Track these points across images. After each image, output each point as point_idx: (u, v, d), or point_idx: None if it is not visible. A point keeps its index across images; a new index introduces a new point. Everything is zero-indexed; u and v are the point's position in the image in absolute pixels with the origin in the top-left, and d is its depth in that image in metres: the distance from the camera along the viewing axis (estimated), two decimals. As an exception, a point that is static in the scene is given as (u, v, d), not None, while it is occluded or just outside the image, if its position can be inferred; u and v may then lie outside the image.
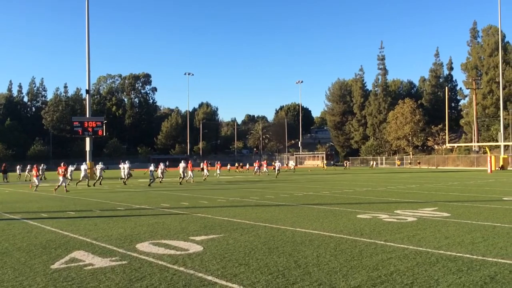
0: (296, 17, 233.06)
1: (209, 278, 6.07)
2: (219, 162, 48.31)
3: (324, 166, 71.36)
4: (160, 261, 7.11)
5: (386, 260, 6.96)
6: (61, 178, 25.17)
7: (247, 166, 66.36)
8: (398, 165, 79.19)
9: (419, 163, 78.73)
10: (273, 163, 55.80)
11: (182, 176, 32.68)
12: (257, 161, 54.79)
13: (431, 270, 6.32)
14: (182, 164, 33.44)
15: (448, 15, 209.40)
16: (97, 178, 31.90)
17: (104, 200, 19.04)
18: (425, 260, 6.94)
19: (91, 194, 22.69)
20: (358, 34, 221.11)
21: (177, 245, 8.46)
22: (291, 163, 58.69)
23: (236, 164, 67.38)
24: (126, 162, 33.88)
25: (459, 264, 6.68)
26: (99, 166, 32.41)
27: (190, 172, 33.67)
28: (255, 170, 50.05)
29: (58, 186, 25.13)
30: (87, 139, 46.21)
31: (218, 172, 45.41)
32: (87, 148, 45.76)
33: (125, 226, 11.10)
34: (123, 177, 32.83)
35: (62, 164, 27.00)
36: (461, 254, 7.33)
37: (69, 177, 30.40)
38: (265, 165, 52.79)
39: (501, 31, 67.49)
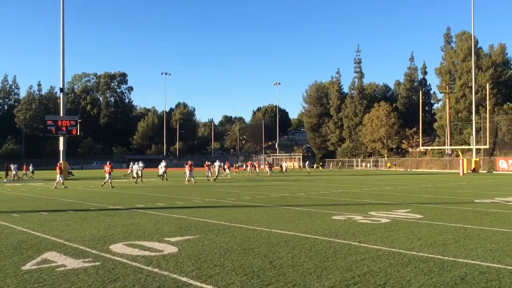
0: (274, 18, 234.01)
1: (184, 279, 6.04)
2: (227, 163, 50.74)
3: (307, 167, 69.14)
4: (134, 262, 7.04)
5: (359, 261, 7.04)
6: (107, 175, 28.51)
7: (244, 166, 67.99)
8: (389, 167, 79.08)
9: (395, 165, 79.89)
10: (264, 164, 61.48)
11: (211, 175, 36.43)
12: (249, 161, 62.99)
13: (403, 271, 6.42)
14: (217, 163, 39.57)
15: (422, 20, 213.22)
16: (138, 176, 34.70)
17: (77, 200, 18.76)
18: (398, 261, 7.05)
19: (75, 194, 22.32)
20: (335, 37, 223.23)
21: (151, 246, 8.39)
22: (284, 165, 59.51)
23: (235, 165, 67.39)
24: (140, 162, 36.36)
25: (431, 265, 6.81)
26: (140, 165, 35.49)
27: (188, 172, 33.18)
28: (248, 170, 55.97)
29: (105, 182, 28.43)
30: (61, 138, 45.43)
31: (227, 171, 47.56)
32: (61, 147, 44.98)
33: (98, 227, 10.95)
34: (135, 176, 34.87)
35: (108, 162, 30.48)
36: (433, 255, 7.47)
37: (135, 174, 34.87)
38: (256, 166, 58.88)
39: (474, 37, 68.96)
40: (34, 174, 50.27)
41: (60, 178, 28.35)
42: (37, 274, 6.32)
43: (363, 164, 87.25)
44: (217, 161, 42.14)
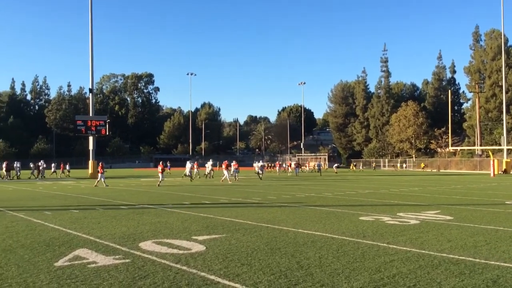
0: (300, 18, 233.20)
1: (212, 277, 6.09)
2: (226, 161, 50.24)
3: (334, 168, 64.21)
4: (163, 260, 7.14)
5: (388, 263, 6.97)
6: (160, 175, 30.07)
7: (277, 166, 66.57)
8: (423, 168, 75.33)
9: (426, 166, 77.50)
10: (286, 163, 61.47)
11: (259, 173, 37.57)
12: (277, 162, 64.92)
13: (433, 273, 6.33)
14: (258, 164, 40.70)
15: (450, 18, 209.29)
16: (208, 173, 37.26)
17: (107, 198, 19.10)
18: (428, 263, 6.95)
19: (99, 193, 22.74)
20: (361, 36, 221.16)
21: (179, 244, 8.48)
22: (319, 164, 59.73)
23: (266, 164, 67.19)
24: (210, 160, 39.49)
25: (462, 267, 6.69)
26: (210, 163, 37.79)
27: (225, 172, 34.09)
28: (277, 170, 57.15)
29: (160, 181, 29.63)
30: (90, 138, 46.29)
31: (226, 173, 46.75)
32: (90, 147, 45.84)
33: (128, 224, 11.13)
34: (188, 174, 36.90)
35: (161, 162, 32.26)
36: (463, 257, 7.34)
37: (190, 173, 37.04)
38: (289, 165, 60.72)
39: (504, 35, 67.42)
40: (70, 173, 51.74)
41: (102, 177, 29.29)
42: (69, 270, 6.47)
43: (397, 164, 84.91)
44: (210, 160, 43.09)
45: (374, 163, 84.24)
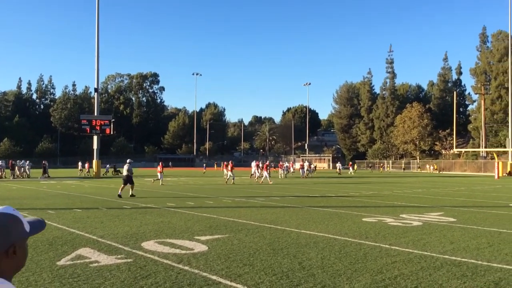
0: (305, 19, 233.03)
1: (214, 277, 6.10)
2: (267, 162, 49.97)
3: (339, 170, 61.15)
4: (165, 259, 7.15)
5: (390, 264, 6.96)
6: (229, 172, 31.39)
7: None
8: (435, 169, 73.75)
9: (436, 168, 75.21)
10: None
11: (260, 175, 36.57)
12: (279, 162, 60.50)
13: (435, 275, 6.32)
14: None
15: (457, 20, 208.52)
16: (253, 173, 37.71)
17: (110, 198, 19.14)
18: (430, 265, 6.93)
19: (100, 192, 22.80)
20: (367, 37, 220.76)
21: (182, 244, 8.50)
22: (338, 165, 59.29)
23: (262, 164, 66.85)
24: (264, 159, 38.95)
25: (464, 269, 6.67)
26: (254, 163, 38.68)
27: (229, 173, 33.10)
28: (280, 172, 50.21)
29: (232, 179, 31.07)
30: (95, 137, 46.44)
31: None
32: (95, 146, 45.98)
33: (131, 224, 11.16)
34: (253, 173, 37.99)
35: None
36: (466, 260, 7.32)
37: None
38: (290, 166, 56.91)
39: (511, 36, 67.08)
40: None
41: (161, 176, 29.82)
42: (71, 270, 6.49)
43: (412, 166, 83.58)
44: (254, 161, 43.32)
45: (367, 164, 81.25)
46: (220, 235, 9.49)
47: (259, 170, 36.56)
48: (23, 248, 1.62)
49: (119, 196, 19.10)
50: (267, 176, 33.64)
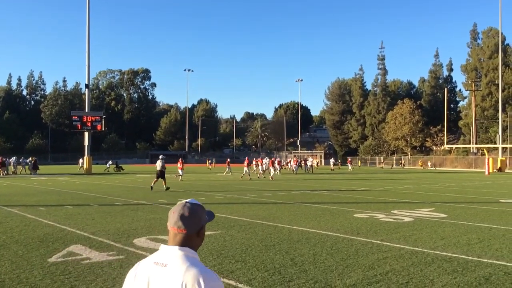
0: (297, 15, 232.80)
1: (206, 274, 6.09)
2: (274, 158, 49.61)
3: (332, 166, 59.77)
4: (157, 256, 7.13)
5: (382, 260, 7.00)
6: (180, 171, 30.54)
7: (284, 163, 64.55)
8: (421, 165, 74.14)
9: (424, 165, 76.06)
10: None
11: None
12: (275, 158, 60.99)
13: (426, 270, 6.36)
14: (265, 161, 40.01)
15: (448, 16, 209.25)
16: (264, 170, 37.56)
17: (102, 195, 19.06)
18: (421, 260, 6.98)
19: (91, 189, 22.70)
20: (358, 33, 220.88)
21: (174, 241, 8.47)
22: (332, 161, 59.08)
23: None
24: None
25: (455, 264, 6.72)
26: (265, 160, 38.66)
27: (245, 168, 34.70)
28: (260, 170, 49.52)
29: (181, 176, 30.43)
30: (86, 134, 46.15)
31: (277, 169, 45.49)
32: (86, 142, 45.70)
33: (122, 221, 11.12)
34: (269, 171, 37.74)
35: (246, 157, 34.85)
36: (456, 255, 7.37)
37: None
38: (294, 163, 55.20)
39: (501, 33, 67.56)
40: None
41: (182, 172, 30.30)
42: (63, 266, 6.46)
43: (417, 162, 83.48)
44: (266, 158, 44.14)
45: (349, 159, 76.04)
46: (212, 232, 9.48)
47: (275, 166, 37.55)
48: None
49: (151, 188, 20.95)
50: (273, 172, 34.55)
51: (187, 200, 2.23)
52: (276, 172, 36.12)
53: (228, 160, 46.15)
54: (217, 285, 1.97)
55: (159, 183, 21.73)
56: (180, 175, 30.34)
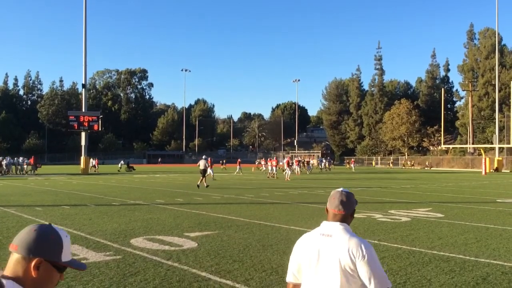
0: (294, 15, 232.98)
1: (203, 274, 6.08)
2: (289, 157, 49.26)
3: (327, 165, 57.31)
4: (154, 256, 7.12)
5: (379, 260, 6.99)
6: (210, 170, 30.32)
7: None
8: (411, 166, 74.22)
9: (413, 165, 77.68)
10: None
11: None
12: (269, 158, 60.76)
13: (424, 270, 6.36)
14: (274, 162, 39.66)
15: (445, 17, 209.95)
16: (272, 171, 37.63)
17: (99, 195, 19.02)
18: (418, 260, 6.98)
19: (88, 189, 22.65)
20: (355, 34, 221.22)
21: (171, 241, 8.47)
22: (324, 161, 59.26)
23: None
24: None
25: (452, 264, 6.73)
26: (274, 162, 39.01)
27: (287, 169, 34.75)
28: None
29: (274, 173, 33.00)
30: (83, 134, 46.05)
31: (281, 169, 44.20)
32: (83, 142, 45.58)
33: (119, 221, 11.09)
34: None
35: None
36: (454, 255, 7.38)
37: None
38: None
39: (498, 34, 67.63)
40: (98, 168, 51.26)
41: (212, 171, 30.23)
42: (60, 267, 6.43)
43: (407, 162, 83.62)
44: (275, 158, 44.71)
45: (346, 159, 75.73)
46: (210, 232, 9.47)
47: (293, 167, 37.89)
48: (49, 271, 1.59)
49: (198, 186, 22.63)
50: (289, 173, 34.33)
51: (342, 189, 2.72)
52: (295, 172, 37.44)
53: (239, 160, 48.37)
54: (373, 251, 2.58)
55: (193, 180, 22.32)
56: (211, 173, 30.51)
